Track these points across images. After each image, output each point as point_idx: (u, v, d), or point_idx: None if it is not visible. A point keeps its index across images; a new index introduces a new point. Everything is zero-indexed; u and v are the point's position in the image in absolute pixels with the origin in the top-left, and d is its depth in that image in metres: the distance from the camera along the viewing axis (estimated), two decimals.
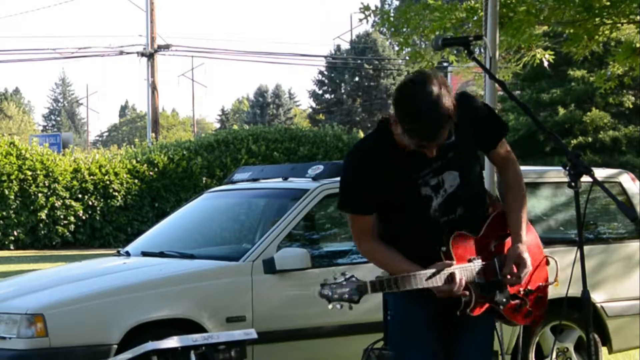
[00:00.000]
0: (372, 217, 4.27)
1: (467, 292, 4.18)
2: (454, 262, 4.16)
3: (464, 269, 4.17)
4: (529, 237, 4.42)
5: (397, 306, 4.38)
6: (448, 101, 3.96)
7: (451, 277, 4.11)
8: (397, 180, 4.16)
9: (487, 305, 4.24)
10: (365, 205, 4.23)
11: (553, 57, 8.53)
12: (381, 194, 4.19)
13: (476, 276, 4.20)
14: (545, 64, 8.59)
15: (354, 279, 4.00)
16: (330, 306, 3.96)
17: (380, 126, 4.21)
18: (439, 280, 4.10)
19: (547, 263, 4.52)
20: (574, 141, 25.21)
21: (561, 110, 25.62)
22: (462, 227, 4.23)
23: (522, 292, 4.34)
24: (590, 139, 25.56)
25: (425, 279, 4.10)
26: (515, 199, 4.40)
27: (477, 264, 4.23)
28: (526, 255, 4.25)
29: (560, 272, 7.23)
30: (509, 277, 4.25)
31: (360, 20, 8.65)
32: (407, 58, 9.14)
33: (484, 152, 4.40)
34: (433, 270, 4.11)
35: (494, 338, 4.49)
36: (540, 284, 4.43)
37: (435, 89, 3.95)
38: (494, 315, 4.33)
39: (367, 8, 8.55)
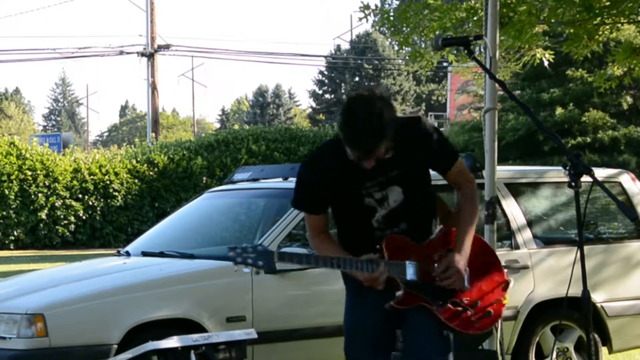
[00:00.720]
0: (323, 216, 4.57)
1: (383, 283, 4.36)
2: (386, 257, 4.38)
3: (394, 264, 4.38)
4: (488, 258, 4.66)
5: (349, 306, 4.69)
6: (384, 118, 4.20)
7: (376, 265, 4.32)
8: (342, 189, 4.44)
9: (417, 302, 4.42)
10: (313, 207, 4.56)
11: (553, 57, 8.52)
12: (329, 199, 4.50)
13: (409, 273, 4.41)
14: (546, 63, 8.58)
15: (260, 247, 4.28)
16: (235, 268, 4.26)
17: (337, 136, 4.45)
18: (360, 267, 4.33)
19: (506, 287, 4.67)
20: (572, 141, 25.19)
21: (559, 110, 25.58)
22: None
23: (465, 301, 4.49)
24: (589, 139, 25.54)
25: (345, 264, 4.36)
26: (464, 216, 4.57)
27: (413, 264, 4.42)
28: (457, 260, 4.43)
29: (560, 272, 7.26)
30: (437, 279, 4.42)
31: (360, 19, 8.62)
32: (407, 58, 9.11)
33: (438, 173, 4.61)
34: (358, 258, 4.35)
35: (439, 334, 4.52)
36: (493, 300, 4.58)
37: (373, 105, 4.22)
38: (429, 315, 4.46)
39: (367, 7, 8.53)
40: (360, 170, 4.36)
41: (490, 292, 4.58)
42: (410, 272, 4.41)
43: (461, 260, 4.44)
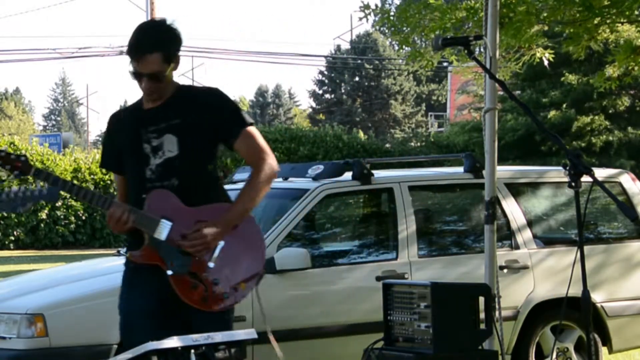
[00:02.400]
0: (123, 178, 4.63)
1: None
2: (145, 208, 4.42)
3: (147, 217, 4.41)
4: (252, 245, 4.56)
5: (121, 294, 4.86)
6: (162, 32, 4.47)
7: (109, 204, 4.43)
8: (128, 136, 4.58)
9: (153, 260, 4.44)
10: (109, 160, 4.71)
11: (553, 56, 8.51)
12: (119, 151, 4.62)
13: (158, 230, 4.42)
14: (546, 63, 8.57)
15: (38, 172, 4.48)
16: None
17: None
18: (96, 201, 4.47)
19: (258, 280, 4.60)
20: (573, 143, 25.17)
21: (555, 113, 25.51)
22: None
23: (206, 277, 4.44)
24: (586, 143, 25.51)
25: (86, 195, 4.47)
26: (240, 194, 4.57)
27: (168, 224, 4.43)
28: (209, 231, 4.40)
29: (560, 272, 7.25)
30: (181, 242, 4.40)
31: (360, 19, 8.62)
32: (407, 57, 9.11)
33: (226, 146, 4.64)
34: (99, 193, 4.52)
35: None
36: (233, 285, 4.50)
37: (158, 22, 4.56)
38: (165, 276, 4.45)
39: (367, 7, 8.53)
40: (146, 114, 4.54)
41: (235, 277, 4.49)
42: (160, 230, 4.42)
43: (214, 232, 4.42)
